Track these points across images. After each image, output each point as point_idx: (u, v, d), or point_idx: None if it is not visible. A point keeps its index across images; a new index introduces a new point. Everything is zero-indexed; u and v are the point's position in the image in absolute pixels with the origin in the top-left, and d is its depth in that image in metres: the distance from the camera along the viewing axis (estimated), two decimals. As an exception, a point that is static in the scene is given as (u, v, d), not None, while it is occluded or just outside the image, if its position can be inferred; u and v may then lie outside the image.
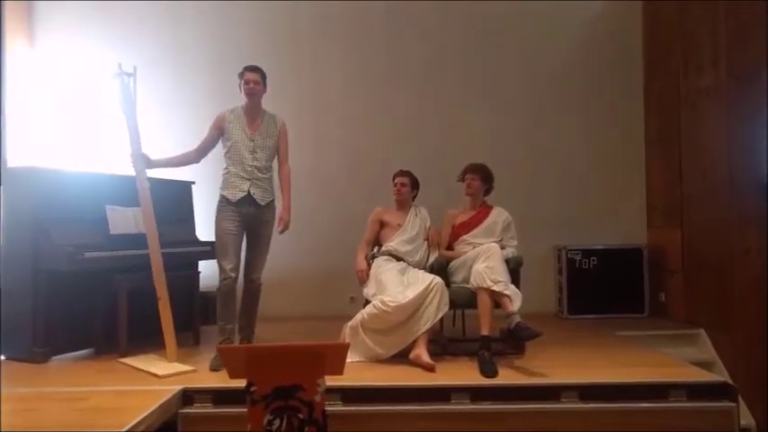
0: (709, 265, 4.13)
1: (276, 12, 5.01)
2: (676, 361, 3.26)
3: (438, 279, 3.27)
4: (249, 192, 3.27)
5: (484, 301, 3.16)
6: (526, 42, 5.06)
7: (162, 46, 4.96)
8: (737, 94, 3.93)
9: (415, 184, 3.82)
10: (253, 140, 3.32)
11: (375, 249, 3.78)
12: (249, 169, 3.29)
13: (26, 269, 3.28)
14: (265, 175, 3.36)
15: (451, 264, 3.57)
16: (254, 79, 3.30)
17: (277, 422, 1.99)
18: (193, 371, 3.06)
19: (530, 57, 5.05)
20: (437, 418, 2.71)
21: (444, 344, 3.40)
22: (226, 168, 3.34)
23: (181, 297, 3.65)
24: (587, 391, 2.75)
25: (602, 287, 4.70)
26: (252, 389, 2.01)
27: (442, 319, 3.29)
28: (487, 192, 3.78)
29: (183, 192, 4.19)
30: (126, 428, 2.20)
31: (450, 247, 3.71)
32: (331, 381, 2.19)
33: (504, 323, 3.16)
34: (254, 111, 3.37)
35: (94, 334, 3.50)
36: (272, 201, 3.42)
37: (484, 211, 3.71)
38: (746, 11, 3.85)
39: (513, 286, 3.22)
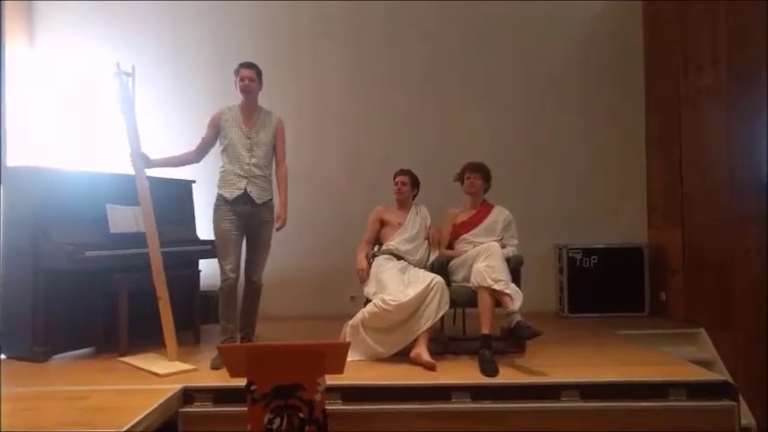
0: (710, 264, 4.13)
1: (276, 12, 5.01)
2: (677, 360, 3.26)
3: (438, 278, 3.27)
4: (246, 190, 3.24)
5: (484, 300, 3.16)
6: (526, 42, 5.06)
7: (162, 46, 4.96)
8: (737, 94, 3.93)
9: (415, 183, 3.82)
10: (249, 138, 3.30)
11: (375, 248, 3.78)
12: (246, 167, 3.26)
13: (26, 268, 3.28)
14: (263, 173, 3.32)
15: (452, 263, 3.57)
16: (249, 76, 3.27)
17: (277, 421, 1.99)
18: (194, 370, 3.06)
19: (530, 57, 5.05)
20: (438, 417, 2.70)
21: (445, 343, 3.40)
22: (223, 166, 3.32)
23: (181, 296, 3.65)
24: (588, 390, 2.75)
25: (602, 286, 4.69)
26: (252, 388, 2.01)
27: (442, 318, 3.29)
28: (485, 190, 3.78)
29: (183, 191, 4.19)
30: (126, 427, 2.20)
31: (450, 246, 3.71)
32: (331, 380, 2.19)
33: (505, 322, 3.17)
34: (250, 108, 3.35)
35: (95, 333, 3.50)
36: (271, 200, 3.40)
37: (484, 209, 3.71)
38: (746, 11, 3.85)
39: (513, 285, 3.22)
